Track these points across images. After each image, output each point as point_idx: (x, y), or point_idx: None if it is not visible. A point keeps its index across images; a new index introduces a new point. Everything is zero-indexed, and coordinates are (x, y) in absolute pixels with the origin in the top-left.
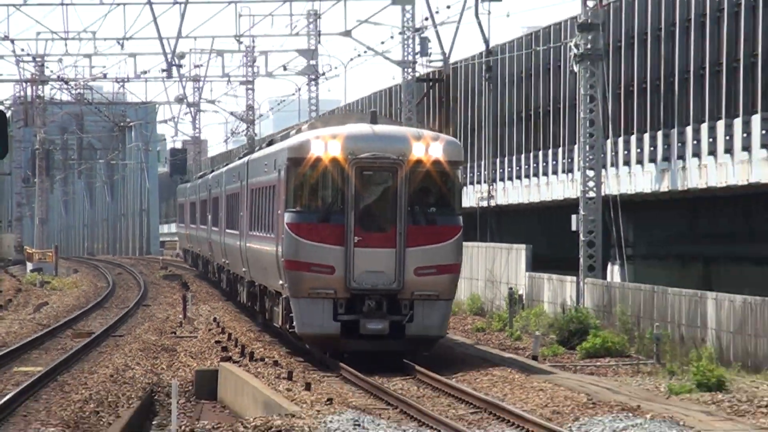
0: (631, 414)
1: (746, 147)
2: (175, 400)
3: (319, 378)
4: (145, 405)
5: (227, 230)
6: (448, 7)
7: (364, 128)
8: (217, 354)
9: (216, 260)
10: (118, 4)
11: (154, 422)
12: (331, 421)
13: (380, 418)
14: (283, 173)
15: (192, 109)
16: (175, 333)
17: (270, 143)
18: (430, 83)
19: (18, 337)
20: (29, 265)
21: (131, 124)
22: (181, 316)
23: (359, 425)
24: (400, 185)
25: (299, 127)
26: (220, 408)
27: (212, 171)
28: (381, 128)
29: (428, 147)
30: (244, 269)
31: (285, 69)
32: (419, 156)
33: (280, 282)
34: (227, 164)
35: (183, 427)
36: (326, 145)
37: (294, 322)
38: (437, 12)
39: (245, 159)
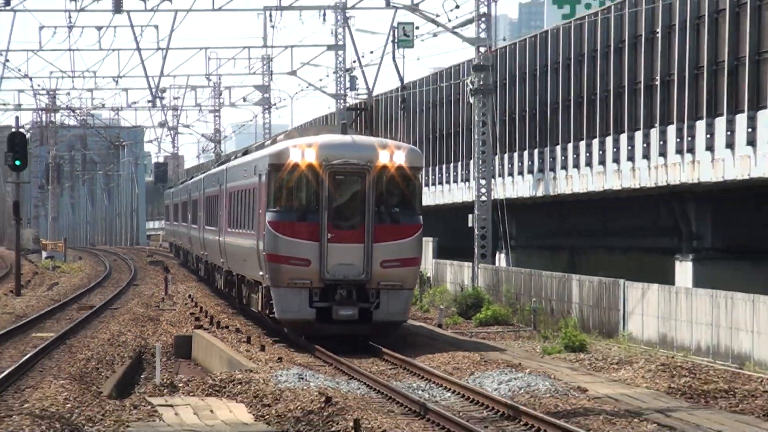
0: (514, 369)
1: (602, 161)
2: (158, 359)
3: (271, 342)
4: (135, 363)
5: (206, 227)
6: (371, 52)
7: (335, 138)
8: (191, 323)
9: (195, 252)
10: (114, 50)
11: (142, 376)
12: (280, 375)
13: (318, 372)
14: (264, 177)
15: (171, 131)
16: (158, 306)
17: (245, 153)
18: (358, 111)
19: (35, 310)
20: (44, 254)
21: (124, 143)
22: (163, 293)
23: (302, 378)
24: (368, 188)
25: (275, 138)
26: (194, 365)
27: (191, 178)
28: (350, 138)
29: (392, 154)
30: (222, 260)
31: (245, 100)
32: (385, 162)
33: (260, 273)
34: (204, 173)
35: (165, 380)
36: (303, 153)
37: (274, 309)
38: (363, 56)
39: (224, 167)
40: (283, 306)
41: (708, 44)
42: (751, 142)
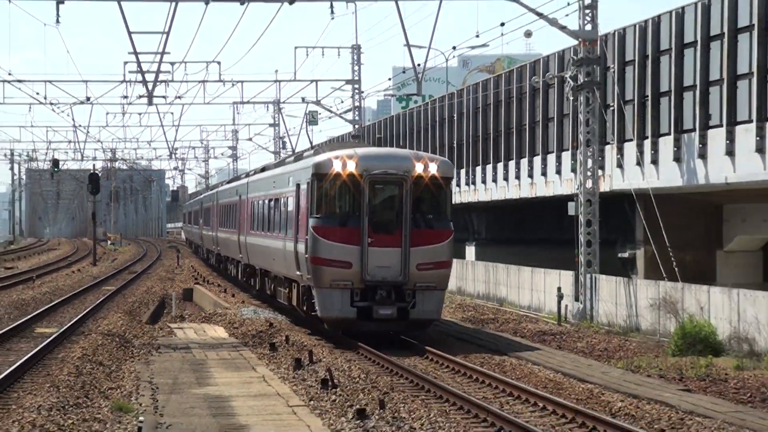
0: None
1: (543, 173)
2: (174, 302)
3: (238, 292)
4: (160, 304)
5: (220, 228)
6: (294, 127)
7: (375, 149)
8: (193, 281)
9: (206, 245)
10: (148, 126)
11: (164, 311)
12: (243, 311)
13: (265, 309)
14: (305, 186)
15: (180, 172)
16: (173, 272)
17: (263, 170)
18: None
19: (104, 273)
20: (108, 242)
21: (153, 179)
22: (176, 264)
23: (256, 313)
24: (405, 196)
25: (300, 154)
26: (194, 305)
27: (199, 195)
28: (388, 150)
29: (427, 165)
30: (240, 255)
31: (222, 154)
32: (420, 172)
33: (297, 272)
34: (210, 190)
35: (177, 314)
36: (345, 163)
37: (316, 307)
38: (289, 129)
39: (243, 181)
40: (325, 305)
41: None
42: (506, 178)
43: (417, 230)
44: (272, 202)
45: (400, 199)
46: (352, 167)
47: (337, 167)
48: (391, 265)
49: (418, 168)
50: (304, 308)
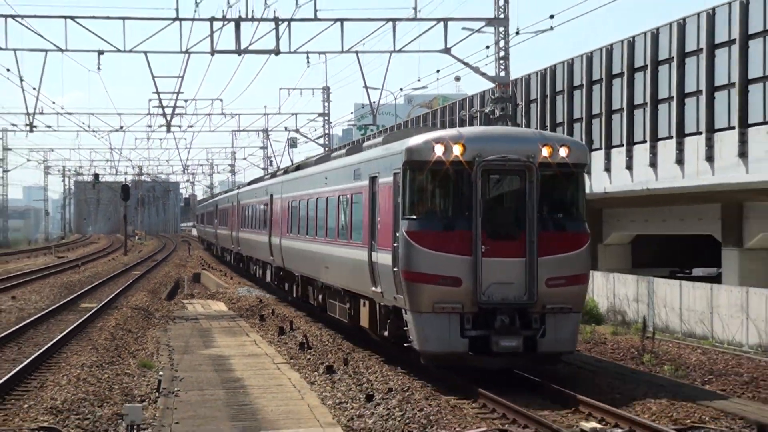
0: None
1: None
2: (186, 283)
3: (235, 275)
4: (175, 285)
5: (242, 228)
6: (280, 149)
7: (489, 129)
8: (201, 267)
9: (220, 244)
10: (167, 149)
11: (178, 290)
12: (240, 290)
13: (256, 288)
14: (389, 179)
15: (191, 183)
16: (186, 260)
17: (297, 168)
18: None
19: (132, 261)
20: (136, 237)
21: (170, 189)
22: (188, 254)
23: (249, 292)
24: (529, 189)
25: (357, 146)
26: (202, 286)
27: (209, 199)
28: (504, 130)
29: (555, 149)
30: (272, 258)
31: (224, 170)
32: (547, 158)
33: (375, 289)
34: (225, 193)
35: (188, 293)
36: (449, 147)
37: (411, 338)
38: (274, 153)
39: (276, 180)
40: (427, 336)
41: None
42: None
43: (545, 233)
44: (325, 202)
45: (523, 194)
46: (458, 152)
47: (438, 152)
48: (513, 280)
49: (545, 152)
50: (384, 333)
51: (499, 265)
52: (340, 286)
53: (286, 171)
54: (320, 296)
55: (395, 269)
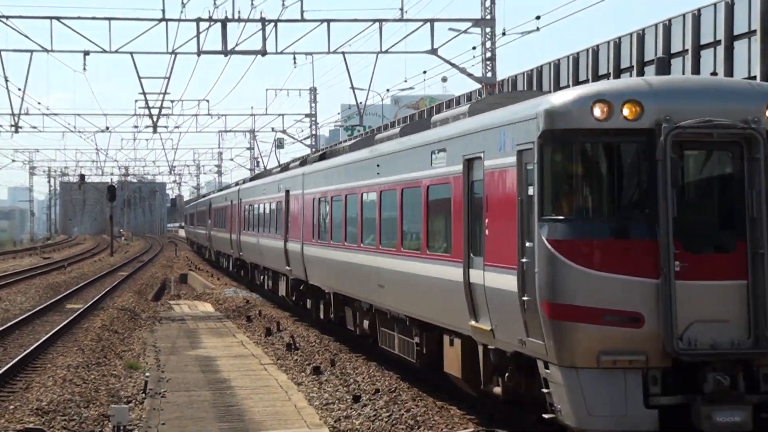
0: None
1: None
2: (173, 284)
3: (221, 276)
4: (162, 285)
5: (244, 230)
6: (268, 148)
7: (678, 80)
8: (187, 267)
9: (215, 247)
10: (153, 149)
11: (165, 291)
12: (226, 291)
13: (242, 289)
14: (516, 160)
15: (177, 184)
16: (172, 261)
17: (323, 157)
18: None
19: (119, 262)
20: (122, 238)
21: (157, 190)
22: (174, 255)
23: (236, 292)
24: (750, 172)
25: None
26: (189, 287)
27: (202, 198)
28: (708, 80)
29: None
30: (288, 268)
31: (210, 170)
32: None
33: (474, 323)
34: (221, 190)
35: (175, 293)
36: (616, 107)
37: (559, 406)
38: (261, 153)
39: (292, 173)
40: (589, 405)
41: None
42: None
43: None
44: (377, 198)
45: (741, 180)
46: (632, 114)
47: (597, 114)
48: (729, 316)
49: None
50: (494, 389)
51: (704, 293)
52: (405, 313)
53: (303, 162)
54: (366, 322)
55: (525, 298)
